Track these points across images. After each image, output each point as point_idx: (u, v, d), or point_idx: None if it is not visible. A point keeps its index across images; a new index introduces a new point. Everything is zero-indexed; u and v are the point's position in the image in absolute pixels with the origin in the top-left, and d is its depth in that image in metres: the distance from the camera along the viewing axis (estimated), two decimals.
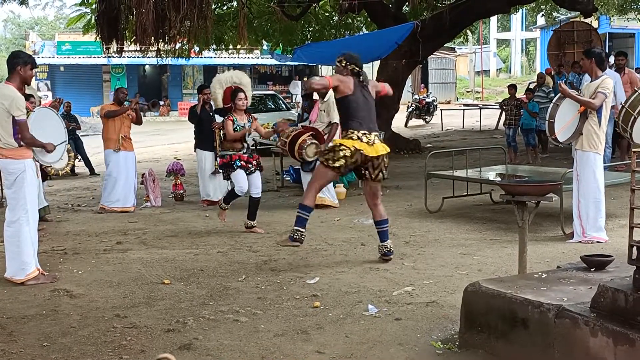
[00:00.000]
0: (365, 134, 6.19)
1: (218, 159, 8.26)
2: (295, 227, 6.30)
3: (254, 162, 8.03)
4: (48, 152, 6.17)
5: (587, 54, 7.02)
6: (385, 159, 6.27)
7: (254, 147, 8.86)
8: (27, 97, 7.50)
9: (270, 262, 6.59)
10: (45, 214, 8.91)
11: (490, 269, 6.07)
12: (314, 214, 8.73)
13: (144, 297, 5.59)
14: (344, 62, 6.37)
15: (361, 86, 6.33)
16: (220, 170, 8.36)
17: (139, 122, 10.21)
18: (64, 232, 8.54)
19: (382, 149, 6.23)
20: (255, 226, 8.14)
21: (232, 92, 8.21)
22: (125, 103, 10.10)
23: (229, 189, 8.60)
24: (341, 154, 6.14)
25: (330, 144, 6.89)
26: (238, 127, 7.89)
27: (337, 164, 6.18)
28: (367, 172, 6.28)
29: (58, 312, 5.24)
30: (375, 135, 6.26)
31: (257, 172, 8.07)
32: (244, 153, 7.99)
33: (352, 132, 6.20)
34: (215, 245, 7.43)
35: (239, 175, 7.91)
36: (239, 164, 7.89)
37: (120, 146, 9.83)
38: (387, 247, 6.44)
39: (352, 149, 6.12)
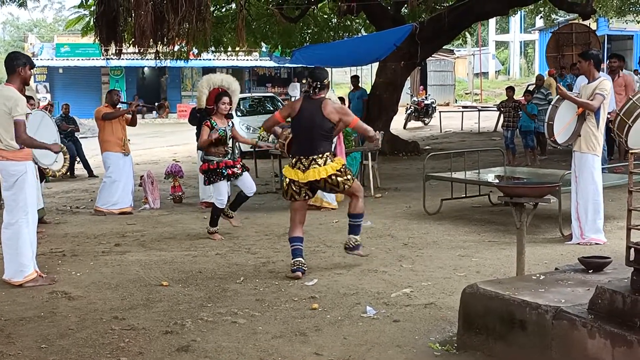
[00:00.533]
0: (300, 159, 6.09)
1: (201, 163, 8.15)
2: (293, 260, 6.14)
3: (239, 166, 7.97)
4: (55, 153, 6.26)
5: (585, 55, 7.00)
6: (329, 180, 6.06)
7: (252, 148, 8.80)
8: (28, 98, 7.50)
9: (269, 264, 6.59)
10: (42, 215, 8.91)
11: (488, 271, 6.07)
12: (312, 216, 8.76)
13: (142, 299, 5.59)
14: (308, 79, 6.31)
15: (309, 104, 6.14)
16: (203, 175, 8.18)
17: (133, 123, 10.22)
18: (62, 234, 8.54)
19: (313, 174, 6.01)
20: (233, 217, 8.19)
21: (217, 95, 8.11)
22: (124, 106, 10.10)
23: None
24: (284, 185, 6.21)
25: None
26: (220, 131, 7.79)
27: (287, 196, 6.21)
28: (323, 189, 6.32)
29: (56, 314, 5.24)
30: (314, 158, 6.04)
31: (245, 173, 8.03)
32: (229, 158, 7.94)
33: (291, 159, 6.23)
34: (213, 247, 7.43)
35: (222, 187, 7.89)
36: (226, 174, 7.82)
37: (126, 149, 9.89)
38: (353, 240, 6.30)
39: (287, 180, 6.15)
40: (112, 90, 10.70)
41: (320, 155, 6.07)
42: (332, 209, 9.45)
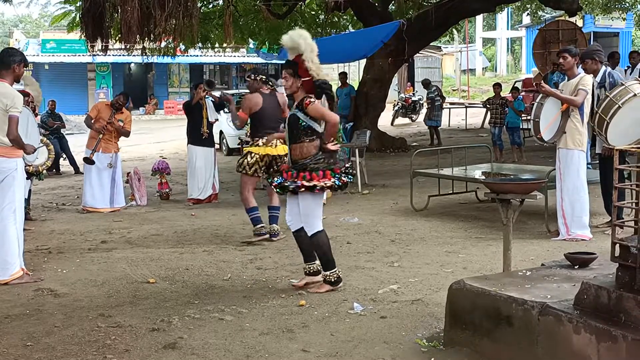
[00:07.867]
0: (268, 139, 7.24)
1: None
2: (254, 227, 7.41)
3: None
4: (27, 154, 6.19)
5: (571, 51, 6.97)
6: (285, 158, 6.98)
7: (239, 145, 8.58)
8: (24, 95, 7.40)
9: (256, 261, 6.58)
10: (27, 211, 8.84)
11: (475, 267, 6.09)
12: None
13: (128, 296, 5.57)
14: (253, 76, 7.41)
15: (269, 96, 7.33)
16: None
17: (125, 135, 10.13)
18: (48, 231, 8.49)
19: (282, 149, 7.05)
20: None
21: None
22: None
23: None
24: (252, 161, 7.20)
25: (243, 156, 7.44)
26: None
27: (251, 171, 7.23)
28: (273, 168, 7.13)
29: (42, 312, 5.21)
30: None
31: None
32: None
33: (257, 140, 7.24)
34: (200, 244, 7.41)
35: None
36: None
37: (96, 151, 9.75)
38: (274, 230, 7.35)
39: (260, 154, 7.18)
40: (121, 93, 10.40)
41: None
42: None
